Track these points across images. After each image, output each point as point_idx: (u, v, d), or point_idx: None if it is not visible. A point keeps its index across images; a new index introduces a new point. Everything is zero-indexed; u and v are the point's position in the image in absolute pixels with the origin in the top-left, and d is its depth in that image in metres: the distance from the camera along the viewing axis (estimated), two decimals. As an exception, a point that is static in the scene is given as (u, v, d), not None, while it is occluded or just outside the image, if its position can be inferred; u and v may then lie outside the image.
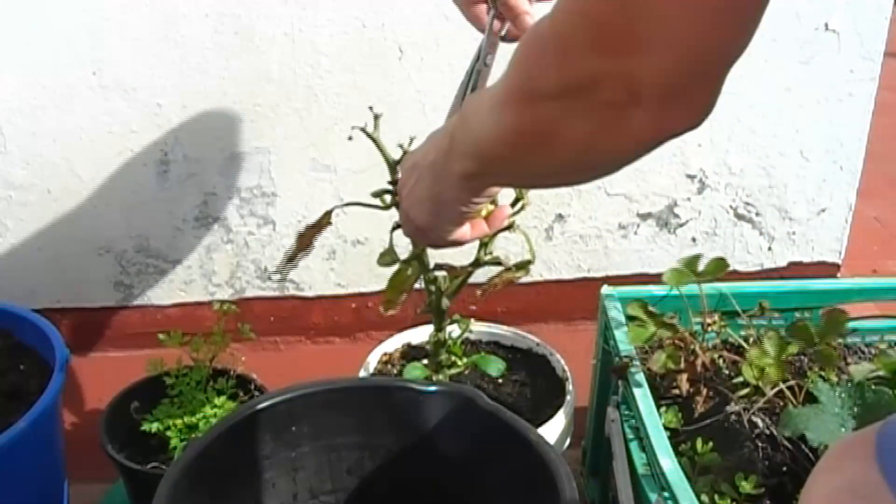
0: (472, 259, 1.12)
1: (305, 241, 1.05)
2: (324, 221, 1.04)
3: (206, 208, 1.52)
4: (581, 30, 0.49)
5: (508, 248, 1.44)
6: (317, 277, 1.59)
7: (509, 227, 1.03)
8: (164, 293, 1.58)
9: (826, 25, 1.48)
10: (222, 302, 1.33)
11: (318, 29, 1.40)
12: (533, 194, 1.56)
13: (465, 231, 0.82)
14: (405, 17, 1.41)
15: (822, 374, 1.07)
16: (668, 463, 0.91)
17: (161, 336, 1.25)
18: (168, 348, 1.25)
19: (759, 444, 1.00)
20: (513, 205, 1.05)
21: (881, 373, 1.07)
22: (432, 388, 0.98)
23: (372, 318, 1.61)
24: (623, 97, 0.48)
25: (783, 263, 1.69)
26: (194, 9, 1.37)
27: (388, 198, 1.02)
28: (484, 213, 0.87)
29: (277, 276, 1.15)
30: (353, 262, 1.58)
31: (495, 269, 1.14)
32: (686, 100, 0.50)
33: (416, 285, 1.13)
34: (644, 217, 1.61)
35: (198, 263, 1.56)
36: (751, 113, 1.54)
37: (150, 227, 1.52)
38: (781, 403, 1.04)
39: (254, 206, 1.52)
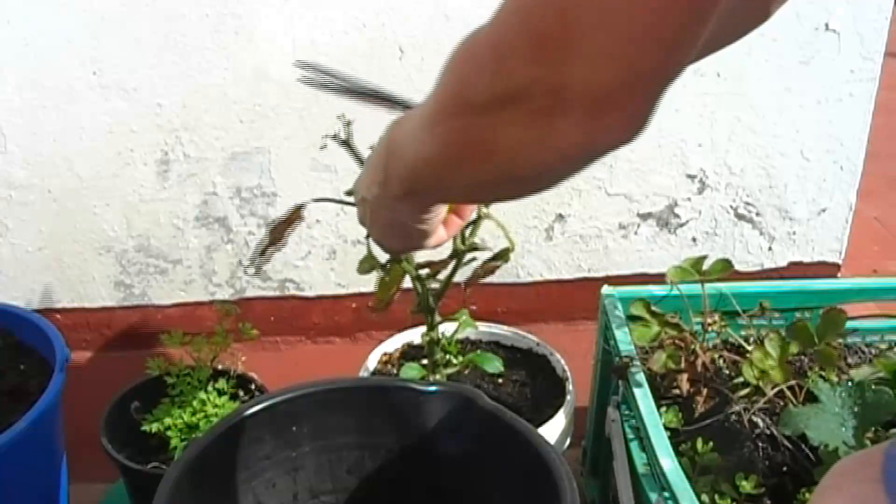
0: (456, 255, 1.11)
1: (276, 235, 1.05)
2: (294, 216, 1.04)
3: (206, 208, 1.52)
4: (518, 36, 0.49)
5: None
6: (317, 277, 1.59)
7: (478, 218, 1.03)
8: (165, 293, 1.58)
9: (826, 25, 1.48)
10: (223, 302, 1.33)
11: (319, 29, 1.40)
12: (533, 194, 1.57)
13: (441, 234, 0.82)
14: (405, 18, 1.41)
15: (823, 374, 1.07)
16: (669, 463, 0.91)
17: (163, 336, 1.25)
18: (168, 348, 1.25)
19: (760, 444, 1.00)
20: None
21: (881, 374, 1.07)
22: (432, 388, 0.98)
23: (372, 318, 1.61)
24: (550, 104, 0.48)
25: (783, 263, 1.69)
26: (195, 8, 1.37)
27: None
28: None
29: (251, 270, 1.16)
30: (354, 262, 1.56)
31: (479, 265, 1.13)
32: (614, 113, 0.49)
33: (406, 285, 1.13)
34: (644, 217, 1.61)
35: (198, 263, 1.56)
36: (751, 113, 1.54)
37: (151, 227, 1.52)
38: (782, 403, 1.04)
39: (254, 206, 1.52)
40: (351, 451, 0.99)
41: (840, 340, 1.09)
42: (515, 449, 0.90)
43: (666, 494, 0.90)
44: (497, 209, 1.05)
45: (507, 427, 0.92)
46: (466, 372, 1.26)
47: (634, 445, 1.01)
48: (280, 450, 0.96)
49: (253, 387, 1.28)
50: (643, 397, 1.01)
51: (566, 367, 1.25)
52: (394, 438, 0.99)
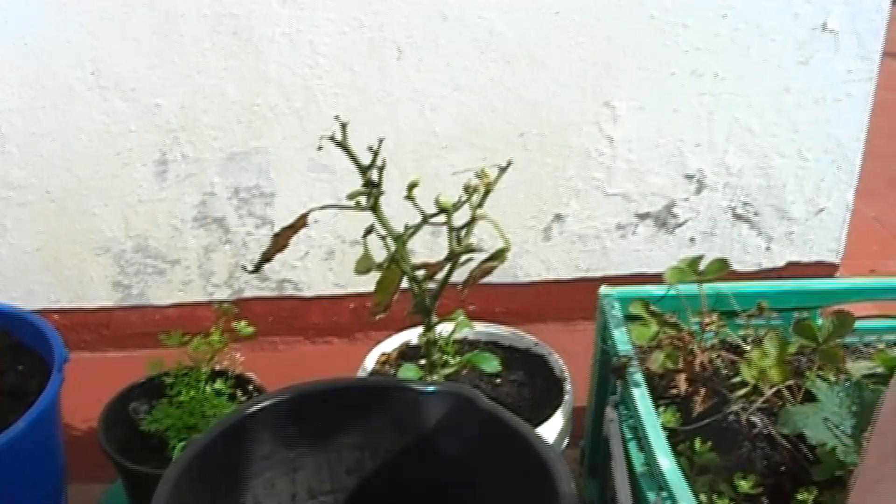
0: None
1: (281, 241, 1.06)
2: (299, 223, 1.05)
3: (204, 208, 1.52)
4: None
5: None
6: (315, 278, 1.59)
7: (474, 219, 1.03)
8: (163, 293, 1.58)
9: (824, 25, 1.48)
10: (221, 302, 1.33)
11: (317, 29, 1.41)
12: (531, 194, 1.57)
13: None
14: (404, 18, 1.41)
15: (821, 373, 1.07)
16: (667, 463, 0.91)
17: (162, 336, 1.25)
18: (167, 348, 1.25)
19: (758, 444, 1.01)
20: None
21: (879, 370, 1.08)
22: (431, 388, 0.98)
23: (370, 319, 1.61)
24: None
25: (781, 263, 1.69)
26: (193, 9, 1.37)
27: (363, 200, 1.03)
28: None
29: (251, 270, 1.18)
30: (352, 263, 1.56)
31: (476, 266, 1.14)
32: None
33: (403, 286, 1.13)
34: (642, 217, 1.61)
35: (196, 264, 1.56)
36: (749, 113, 1.54)
37: (149, 228, 1.52)
38: (780, 403, 1.04)
39: (252, 207, 1.52)
40: (350, 451, 0.99)
41: (838, 340, 1.09)
42: (514, 449, 0.90)
43: (664, 494, 0.91)
44: (494, 209, 1.05)
45: (506, 427, 0.92)
46: (464, 372, 1.26)
47: (633, 445, 1.01)
48: (279, 450, 0.96)
49: (251, 387, 1.28)
50: (641, 397, 1.01)
51: (564, 367, 1.25)
52: (392, 439, 0.99)
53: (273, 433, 0.95)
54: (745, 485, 0.95)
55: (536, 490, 0.86)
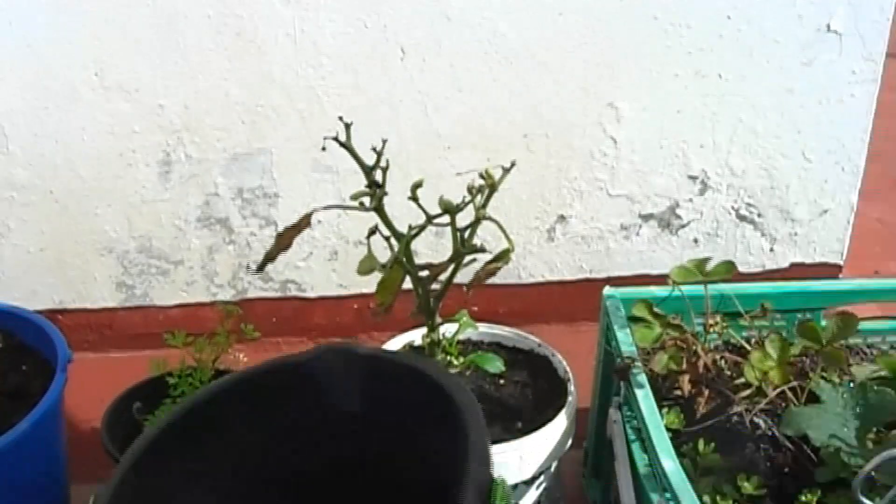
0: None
1: (285, 241, 1.06)
2: (303, 223, 1.05)
3: (207, 209, 1.52)
4: None
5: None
6: (319, 278, 1.59)
7: (478, 220, 1.03)
8: (167, 294, 1.58)
9: (828, 27, 1.48)
10: (225, 303, 1.33)
11: (320, 30, 1.41)
12: (534, 195, 1.57)
13: None
14: (407, 18, 1.41)
15: (825, 374, 1.07)
16: (670, 464, 0.91)
17: (167, 336, 1.25)
18: (170, 349, 1.25)
19: (761, 445, 1.00)
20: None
21: (883, 373, 1.07)
22: (313, 354, 0.95)
23: (373, 319, 1.61)
24: None
25: (785, 264, 1.69)
26: (196, 10, 1.38)
27: (366, 200, 1.02)
28: None
29: (254, 271, 1.18)
30: (355, 263, 1.56)
31: (480, 267, 1.13)
32: None
33: (407, 286, 1.13)
34: (646, 218, 1.61)
35: (200, 264, 1.56)
36: (752, 114, 1.54)
37: (153, 228, 1.53)
38: (783, 404, 1.04)
39: (256, 207, 1.52)
40: (274, 442, 0.95)
41: (842, 342, 1.08)
42: (411, 382, 0.89)
43: (667, 495, 0.90)
44: (498, 210, 1.05)
45: (392, 365, 0.91)
46: (468, 373, 1.26)
47: (636, 446, 1.01)
48: (207, 462, 0.92)
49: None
50: (645, 398, 1.01)
51: (568, 369, 1.25)
52: (303, 414, 0.95)
53: (193, 448, 0.91)
54: (748, 486, 0.95)
55: (436, 409, 0.84)
